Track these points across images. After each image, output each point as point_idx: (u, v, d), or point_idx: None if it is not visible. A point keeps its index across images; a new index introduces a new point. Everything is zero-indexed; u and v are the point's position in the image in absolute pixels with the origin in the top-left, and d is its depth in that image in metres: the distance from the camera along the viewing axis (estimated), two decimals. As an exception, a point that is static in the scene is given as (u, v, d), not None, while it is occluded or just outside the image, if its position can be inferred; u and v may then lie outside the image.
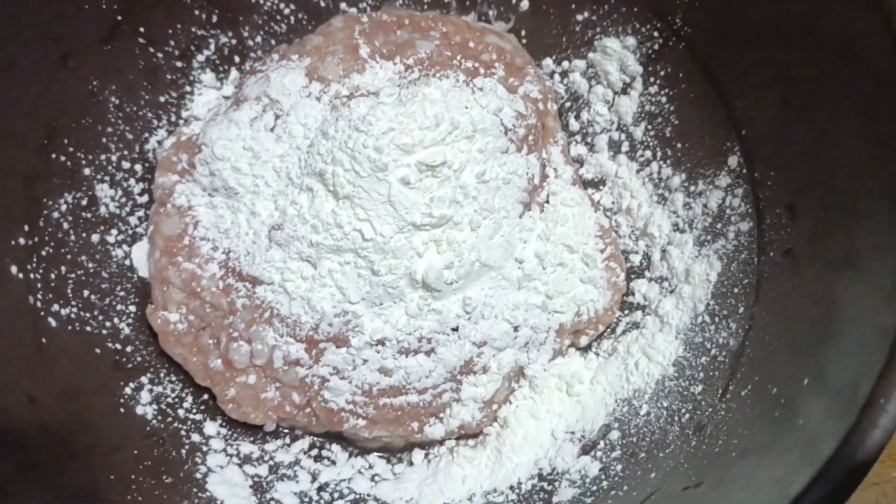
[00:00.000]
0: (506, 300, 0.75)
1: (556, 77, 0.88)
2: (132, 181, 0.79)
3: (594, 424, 0.77)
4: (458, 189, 0.72)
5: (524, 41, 0.86)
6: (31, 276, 0.67)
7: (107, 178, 0.77)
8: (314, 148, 0.72)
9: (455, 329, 0.74)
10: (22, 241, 0.67)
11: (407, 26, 0.80)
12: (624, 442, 0.74)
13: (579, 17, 0.85)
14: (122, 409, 0.70)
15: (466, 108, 0.74)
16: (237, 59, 0.85)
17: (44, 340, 0.66)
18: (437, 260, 0.72)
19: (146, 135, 0.81)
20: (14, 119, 0.66)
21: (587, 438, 0.77)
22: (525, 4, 0.86)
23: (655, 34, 0.80)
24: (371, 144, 0.69)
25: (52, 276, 0.69)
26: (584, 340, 0.81)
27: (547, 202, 0.80)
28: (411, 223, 0.70)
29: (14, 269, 0.65)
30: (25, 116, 0.68)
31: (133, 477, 0.65)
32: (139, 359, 0.75)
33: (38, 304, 0.67)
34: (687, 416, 0.71)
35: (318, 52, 0.78)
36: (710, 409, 0.70)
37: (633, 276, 0.83)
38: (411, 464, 0.79)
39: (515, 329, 0.76)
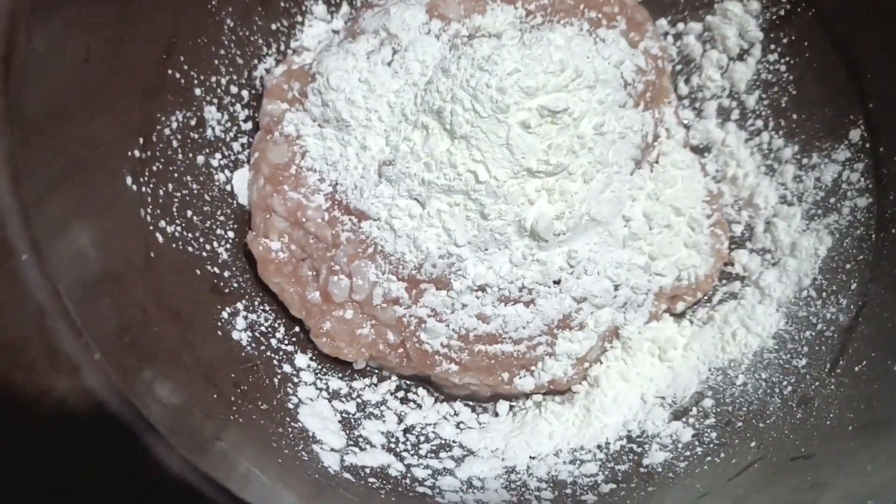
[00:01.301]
0: (609, 257, 0.74)
1: (669, 38, 0.86)
2: (238, 106, 0.79)
3: (686, 391, 0.76)
4: (576, 138, 0.70)
5: (640, -1, 0.84)
6: (143, 189, 0.66)
7: (215, 100, 0.76)
8: (433, 85, 0.71)
9: (557, 282, 0.73)
10: (137, 153, 0.66)
11: (529, -29, 0.78)
12: (718, 410, 0.73)
13: (702, -22, 0.83)
14: (219, 333, 0.70)
15: (588, 57, 0.72)
16: (349, -8, 0.84)
17: (152, 255, 0.65)
18: (548, 209, 0.71)
19: (255, 61, 0.80)
20: (139, 29, 0.65)
21: (678, 404, 0.75)
22: (649, -39, 0.84)
23: (783, -1, 0.78)
24: (494, 84, 0.67)
25: (161, 192, 0.68)
26: (680, 306, 0.80)
27: (657, 162, 0.78)
28: (526, 169, 0.69)
29: (129, 180, 0.64)
30: (149, 28, 0.67)
31: (233, 399, 0.64)
32: (235, 285, 0.74)
33: (148, 217, 0.66)
34: (789, 388, 0.70)
35: (440, -10, 0.76)
36: (817, 383, 0.68)
37: (732, 247, 0.81)
38: (496, 414, 0.78)
39: (616, 288, 0.75)
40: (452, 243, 0.71)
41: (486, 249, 0.71)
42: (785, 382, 0.70)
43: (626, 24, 0.77)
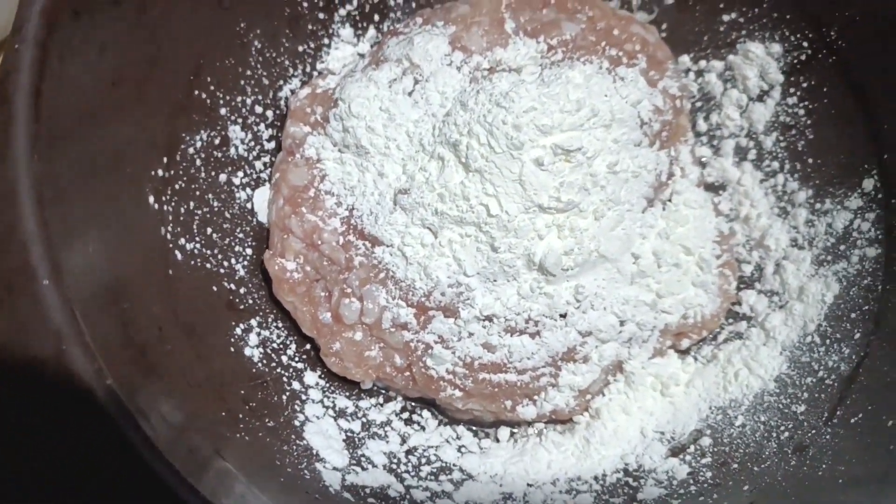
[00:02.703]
0: (617, 294, 0.75)
1: (691, 75, 0.86)
2: (262, 126, 0.81)
3: (685, 428, 0.77)
4: (589, 177, 0.71)
5: (663, 35, 0.85)
6: (165, 207, 0.68)
7: (240, 120, 0.78)
8: (451, 118, 0.72)
9: (563, 315, 0.74)
10: (160, 172, 0.68)
11: (552, 5, 0.80)
12: (715, 450, 0.74)
13: (725, 18, 0.83)
14: (232, 349, 0.72)
15: (606, 96, 0.73)
16: (377, 17, 0.86)
17: (170, 272, 0.67)
18: (558, 245, 0.72)
19: (281, 82, 0.82)
20: (171, 51, 0.67)
21: (677, 441, 0.76)
22: (672, -2, 0.85)
23: (805, 44, 0.78)
24: (510, 121, 0.69)
25: (182, 210, 0.71)
26: (685, 343, 0.81)
27: (669, 200, 0.79)
28: (538, 205, 0.70)
29: (151, 198, 0.66)
30: (179, 50, 0.69)
31: (240, 416, 0.66)
32: (250, 301, 0.76)
33: (168, 236, 0.68)
34: (786, 434, 0.71)
35: (464, 22, 0.77)
36: (813, 431, 0.69)
37: (741, 286, 0.82)
38: (497, 440, 0.80)
39: (622, 323, 0.76)
40: (462, 273, 0.72)
41: (495, 281, 0.73)
42: (783, 427, 0.71)
43: (647, 62, 0.78)
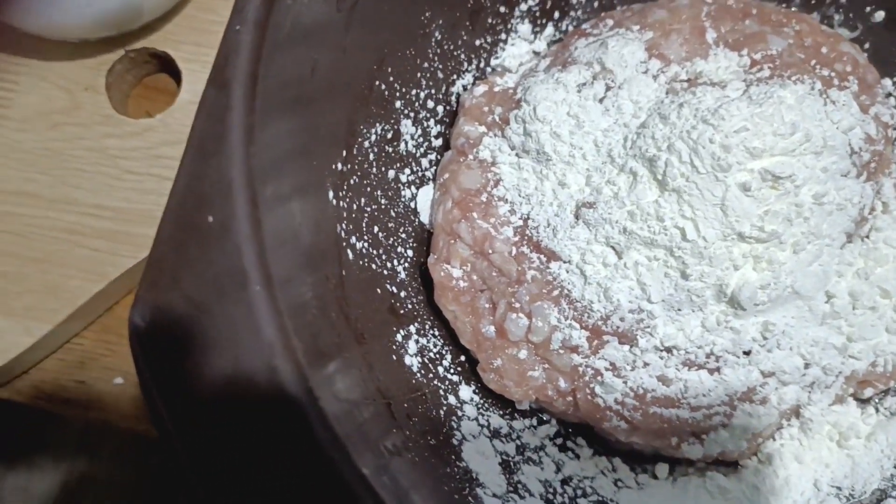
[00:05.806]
0: (805, 334, 0.69)
1: (891, 100, 0.80)
2: (432, 122, 0.76)
3: (866, 486, 0.71)
4: (794, 206, 0.65)
5: (866, 54, 0.78)
6: (341, 203, 0.64)
7: (412, 114, 0.74)
8: (647, 130, 0.67)
9: (747, 353, 0.69)
10: (339, 166, 0.64)
11: (754, 16, 0.73)
12: (904, 515, 0.68)
13: (943, 39, 0.76)
14: (394, 357, 0.68)
15: (818, 120, 0.67)
16: (557, 14, 0.80)
17: (343, 273, 0.63)
18: (753, 277, 0.66)
19: (454, 77, 0.77)
20: (361, 39, 0.63)
21: (857, 499, 0.70)
22: (880, 15, 0.78)
23: None
24: (718, 141, 0.63)
25: (354, 206, 0.67)
26: (867, 392, 0.74)
27: (867, 237, 0.73)
28: (738, 233, 0.64)
29: (331, 194, 0.63)
30: (369, 38, 0.65)
31: (407, 434, 0.62)
32: (409, 306, 0.72)
33: (343, 233, 0.64)
34: None
35: (662, 28, 0.72)
36: None
37: (934, 335, 0.75)
38: (655, 477, 0.75)
39: (806, 366, 0.70)
40: (646, 299, 0.67)
41: (680, 310, 0.67)
42: None
43: (859, 85, 0.72)
